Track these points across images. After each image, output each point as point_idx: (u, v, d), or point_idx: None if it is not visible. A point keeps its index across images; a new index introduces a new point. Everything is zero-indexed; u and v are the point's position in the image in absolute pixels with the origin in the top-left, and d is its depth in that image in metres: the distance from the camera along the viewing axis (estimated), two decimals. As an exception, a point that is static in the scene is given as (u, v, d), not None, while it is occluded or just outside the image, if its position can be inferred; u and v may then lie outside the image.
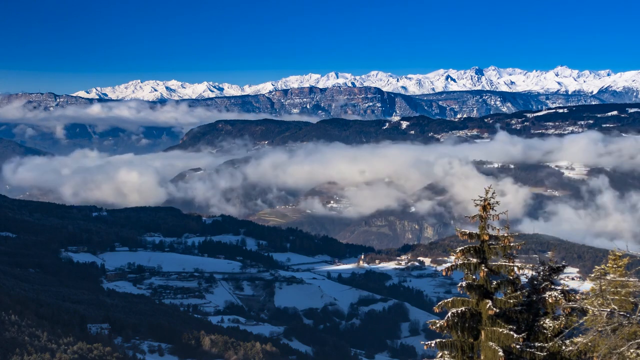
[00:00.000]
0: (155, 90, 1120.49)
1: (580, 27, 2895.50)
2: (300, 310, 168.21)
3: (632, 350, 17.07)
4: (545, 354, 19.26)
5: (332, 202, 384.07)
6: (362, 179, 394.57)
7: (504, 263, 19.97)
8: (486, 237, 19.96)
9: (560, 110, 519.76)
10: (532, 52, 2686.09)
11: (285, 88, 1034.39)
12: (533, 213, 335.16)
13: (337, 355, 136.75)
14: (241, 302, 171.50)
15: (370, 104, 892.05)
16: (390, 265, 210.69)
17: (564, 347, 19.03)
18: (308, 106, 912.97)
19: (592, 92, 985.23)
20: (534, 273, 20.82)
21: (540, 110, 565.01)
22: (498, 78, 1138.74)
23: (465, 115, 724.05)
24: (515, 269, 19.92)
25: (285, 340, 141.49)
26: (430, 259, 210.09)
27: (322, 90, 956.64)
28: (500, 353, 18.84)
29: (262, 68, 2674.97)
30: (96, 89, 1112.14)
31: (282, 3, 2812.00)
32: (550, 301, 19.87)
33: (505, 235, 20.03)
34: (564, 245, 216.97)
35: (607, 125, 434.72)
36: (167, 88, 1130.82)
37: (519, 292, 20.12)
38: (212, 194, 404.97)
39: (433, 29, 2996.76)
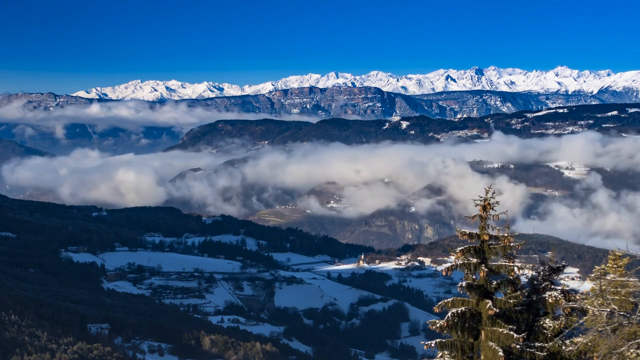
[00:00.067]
0: (155, 90, 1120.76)
1: (580, 27, 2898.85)
2: (300, 310, 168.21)
3: (632, 350, 17.07)
4: (545, 354, 19.26)
5: (332, 202, 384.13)
6: (362, 179, 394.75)
7: (504, 263, 19.98)
8: (486, 237, 19.97)
9: (560, 110, 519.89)
10: (532, 52, 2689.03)
11: (285, 88, 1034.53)
12: (533, 213, 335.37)
13: (337, 355, 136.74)
14: (241, 302, 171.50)
15: (370, 104, 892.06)
16: (390, 265, 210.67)
17: (564, 347, 19.03)
18: (308, 106, 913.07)
19: (592, 92, 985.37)
20: (534, 273, 20.82)
21: (540, 110, 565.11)
22: (498, 78, 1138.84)
23: (465, 115, 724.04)
24: (515, 269, 19.92)
25: (285, 340, 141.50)
26: (430, 259, 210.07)
27: (322, 90, 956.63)
28: (500, 353, 18.84)
29: (262, 68, 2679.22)
30: (96, 89, 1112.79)
31: (282, 3, 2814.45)
32: (550, 301, 19.87)
33: (505, 235, 20.03)
34: (564, 245, 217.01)
35: (607, 125, 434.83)
36: (167, 88, 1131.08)
37: (519, 292, 20.12)
38: (212, 194, 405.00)
39: (433, 29, 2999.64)
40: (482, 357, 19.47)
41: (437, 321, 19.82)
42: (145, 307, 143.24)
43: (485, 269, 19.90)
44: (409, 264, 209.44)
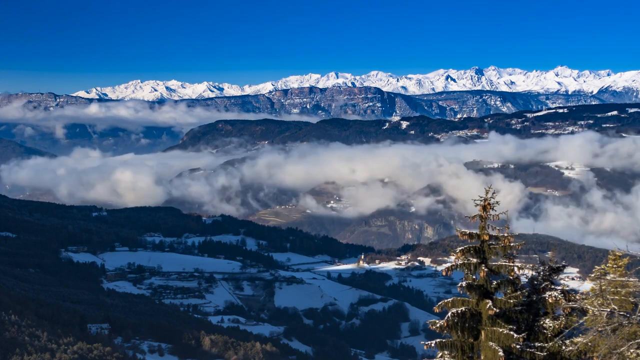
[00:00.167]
0: (155, 90, 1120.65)
1: (580, 27, 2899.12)
2: (300, 310, 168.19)
3: (632, 350, 17.07)
4: (545, 354, 19.27)
5: (332, 202, 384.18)
6: (362, 179, 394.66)
7: (504, 263, 19.97)
8: (486, 237, 19.97)
9: (560, 110, 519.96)
10: (532, 52, 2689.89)
11: (285, 88, 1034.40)
12: (533, 213, 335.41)
13: (337, 355, 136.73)
14: (241, 302, 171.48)
15: (370, 104, 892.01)
16: (390, 265, 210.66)
17: (564, 347, 19.03)
18: (308, 106, 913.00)
19: (592, 92, 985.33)
20: (534, 273, 20.82)
21: (540, 110, 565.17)
22: (498, 78, 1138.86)
23: (465, 115, 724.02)
24: (515, 269, 19.92)
25: (285, 340, 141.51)
26: (430, 259, 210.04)
27: (322, 90, 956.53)
28: (500, 353, 18.84)
29: (262, 68, 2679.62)
30: (96, 89, 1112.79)
31: (282, 3, 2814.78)
32: (550, 301, 19.87)
33: (505, 235, 20.03)
34: (564, 245, 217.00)
35: (607, 125, 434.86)
36: (167, 88, 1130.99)
37: (519, 292, 20.13)
38: (212, 194, 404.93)
39: (433, 29, 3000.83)
40: (482, 357, 19.47)
41: (437, 321, 19.82)
42: (145, 307, 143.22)
43: (485, 269, 19.90)
44: (409, 264, 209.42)
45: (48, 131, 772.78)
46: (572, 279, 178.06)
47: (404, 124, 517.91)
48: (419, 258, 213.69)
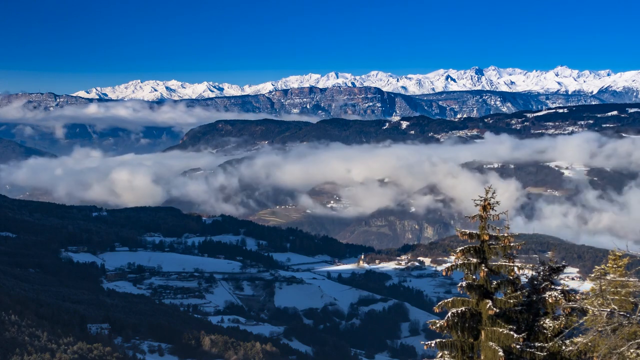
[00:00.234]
0: (155, 90, 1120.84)
1: (580, 27, 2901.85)
2: (300, 310, 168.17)
3: (632, 350, 17.07)
4: (545, 354, 19.26)
5: (332, 202, 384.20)
6: (362, 179, 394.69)
7: (504, 263, 19.97)
8: (486, 237, 19.96)
9: (560, 110, 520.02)
10: (532, 52, 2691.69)
11: (285, 88, 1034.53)
12: (533, 213, 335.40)
13: (337, 355, 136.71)
14: (241, 302, 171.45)
15: (370, 104, 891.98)
16: (390, 265, 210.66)
17: (564, 347, 19.03)
18: (308, 106, 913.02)
19: (592, 92, 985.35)
20: (534, 273, 20.81)
21: (540, 110, 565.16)
22: (498, 78, 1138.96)
23: (465, 115, 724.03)
24: (515, 269, 19.91)
25: (285, 340, 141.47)
26: (430, 259, 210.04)
27: (322, 90, 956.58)
28: (500, 353, 18.84)
29: (262, 68, 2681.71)
30: (96, 89, 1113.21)
31: (282, 3, 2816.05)
32: (550, 301, 19.87)
33: (505, 235, 20.02)
34: (564, 245, 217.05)
35: (607, 125, 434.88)
36: (167, 88, 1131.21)
37: (519, 292, 20.12)
38: (211, 194, 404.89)
39: (433, 29, 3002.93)
40: (482, 357, 19.47)
41: (437, 321, 19.82)
42: (145, 307, 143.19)
43: (485, 269, 19.90)
44: (409, 264, 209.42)
45: (48, 131, 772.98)
46: (572, 279, 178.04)
47: (404, 124, 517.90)
48: (419, 258, 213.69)
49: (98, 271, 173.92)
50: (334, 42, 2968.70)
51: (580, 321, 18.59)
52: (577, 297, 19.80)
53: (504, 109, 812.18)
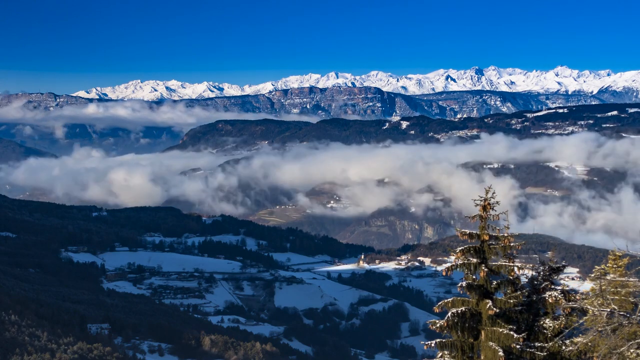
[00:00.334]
0: (155, 90, 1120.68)
1: (580, 27, 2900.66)
2: (300, 310, 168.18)
3: (632, 350, 17.07)
4: (545, 354, 19.26)
5: (332, 202, 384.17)
6: (362, 179, 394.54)
7: (504, 263, 19.97)
8: (486, 237, 19.96)
9: (560, 110, 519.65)
10: (532, 52, 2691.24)
11: (285, 88, 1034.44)
12: (533, 213, 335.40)
13: (337, 355, 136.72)
14: (241, 302, 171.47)
15: (370, 104, 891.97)
16: (390, 265, 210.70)
17: (564, 347, 19.03)
18: (308, 106, 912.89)
19: (592, 92, 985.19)
20: (534, 273, 20.81)
21: (540, 110, 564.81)
22: (498, 78, 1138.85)
23: (465, 115, 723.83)
24: (515, 269, 19.91)
25: (285, 340, 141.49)
26: (430, 259, 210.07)
27: (322, 90, 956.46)
28: (500, 353, 18.84)
29: (262, 68, 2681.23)
30: (96, 89, 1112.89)
31: (282, 3, 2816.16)
32: (550, 301, 19.87)
33: (505, 235, 20.02)
34: (564, 245, 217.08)
35: (607, 125, 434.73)
36: (167, 88, 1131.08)
37: (519, 292, 20.12)
38: (211, 194, 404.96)
39: (433, 29, 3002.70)
40: (482, 357, 19.47)
41: (437, 321, 19.82)
42: (145, 307, 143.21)
43: (485, 269, 19.90)
44: (409, 264, 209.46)
45: (48, 131, 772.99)
46: (572, 279, 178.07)
47: (404, 124, 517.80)
48: (419, 258, 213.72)
49: (98, 271, 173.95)
50: (334, 42, 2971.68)
51: (580, 321, 18.59)
52: (577, 297, 19.80)
53: (504, 109, 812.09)
